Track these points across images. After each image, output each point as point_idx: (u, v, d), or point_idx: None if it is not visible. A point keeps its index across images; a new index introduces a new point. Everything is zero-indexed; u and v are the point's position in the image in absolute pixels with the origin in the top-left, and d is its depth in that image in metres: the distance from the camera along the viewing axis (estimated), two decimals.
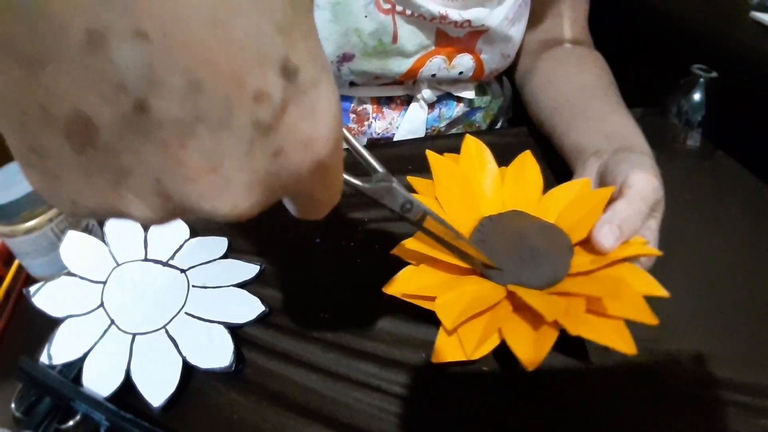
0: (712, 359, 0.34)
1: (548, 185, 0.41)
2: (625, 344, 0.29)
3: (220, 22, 0.11)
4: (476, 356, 0.31)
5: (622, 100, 0.49)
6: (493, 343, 0.31)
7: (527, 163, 0.41)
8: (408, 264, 0.35)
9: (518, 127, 0.60)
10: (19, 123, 0.12)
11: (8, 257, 0.40)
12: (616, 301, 0.30)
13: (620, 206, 0.34)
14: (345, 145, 0.24)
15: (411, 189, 0.40)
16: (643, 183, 0.35)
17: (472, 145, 0.41)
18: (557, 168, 0.49)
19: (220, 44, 0.12)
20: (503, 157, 0.53)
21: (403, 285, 0.34)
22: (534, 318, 0.31)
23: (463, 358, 0.31)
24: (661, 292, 0.31)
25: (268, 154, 0.14)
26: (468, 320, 0.31)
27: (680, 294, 0.37)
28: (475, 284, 0.34)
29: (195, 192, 0.13)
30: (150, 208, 0.14)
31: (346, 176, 0.23)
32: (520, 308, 0.32)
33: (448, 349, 0.31)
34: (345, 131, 0.25)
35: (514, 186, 0.40)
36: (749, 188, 0.50)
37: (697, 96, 0.54)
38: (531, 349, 0.29)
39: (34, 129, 0.12)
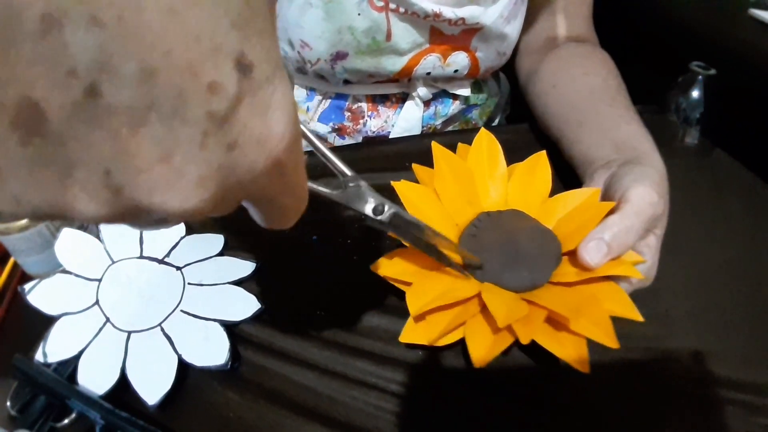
0: (711, 358, 0.34)
1: (554, 185, 0.40)
2: (579, 362, 0.29)
3: (176, 11, 0.11)
4: (439, 344, 0.32)
5: (630, 103, 0.47)
6: (457, 335, 0.32)
7: (539, 164, 0.41)
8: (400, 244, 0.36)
9: (517, 124, 0.60)
10: None
11: (3, 255, 0.40)
12: (580, 319, 0.30)
13: (612, 221, 0.33)
14: (310, 148, 0.24)
15: (414, 180, 0.39)
16: (640, 198, 0.34)
17: (484, 139, 0.41)
18: (560, 167, 0.49)
19: (175, 33, 0.12)
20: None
21: (386, 267, 0.35)
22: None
23: (426, 343, 0.32)
24: (635, 315, 0.31)
25: (222, 147, 0.13)
26: (437, 310, 0.32)
27: (678, 292, 0.37)
28: (452, 277, 0.34)
29: (145, 184, 0.13)
30: (98, 203, 0.13)
31: (312, 185, 0.23)
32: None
33: (416, 332, 0.33)
34: (311, 136, 0.25)
35: (521, 185, 0.40)
36: (747, 186, 0.50)
37: (695, 93, 0.54)
38: (484, 348, 0.30)
39: None
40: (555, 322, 0.31)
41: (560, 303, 0.31)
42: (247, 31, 0.13)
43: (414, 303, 0.32)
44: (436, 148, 0.40)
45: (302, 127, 0.21)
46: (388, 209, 0.28)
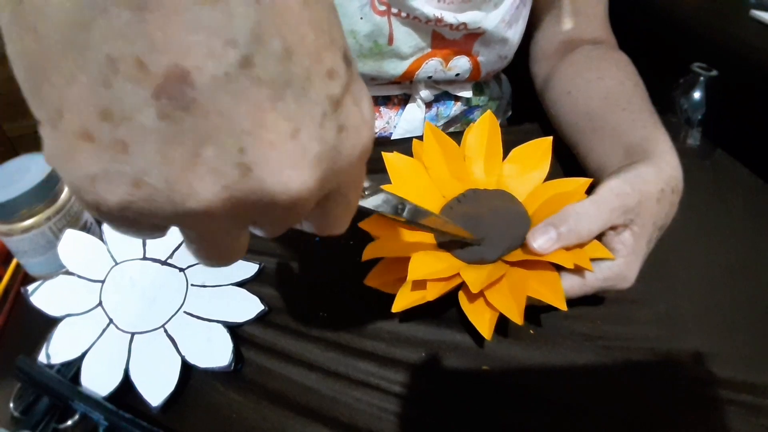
0: (713, 359, 0.34)
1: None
2: (486, 331, 0.31)
3: (309, 4, 0.13)
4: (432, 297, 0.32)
5: (646, 104, 0.45)
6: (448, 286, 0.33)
7: (541, 149, 0.40)
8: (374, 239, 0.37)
9: (518, 125, 0.60)
10: (100, 79, 0.11)
11: (6, 256, 0.40)
12: (493, 291, 0.32)
13: (567, 209, 0.32)
14: None
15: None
16: (605, 188, 0.33)
17: (487, 121, 0.41)
18: (565, 165, 0.49)
19: (308, 22, 0.13)
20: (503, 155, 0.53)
21: (377, 278, 0.36)
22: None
23: (420, 300, 0.32)
24: (560, 304, 0.30)
25: (335, 129, 0.14)
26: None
27: (680, 293, 0.37)
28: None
29: (274, 160, 0.13)
30: (221, 185, 0.13)
31: None
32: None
33: (408, 298, 0.33)
34: None
35: (517, 168, 0.40)
36: (749, 187, 0.50)
37: (697, 94, 0.54)
38: (405, 300, 0.33)
39: (119, 87, 0.11)
40: (471, 294, 0.32)
41: (483, 276, 0.32)
42: (342, 33, 0.15)
43: (416, 269, 0.33)
44: (429, 127, 0.41)
45: None
46: (408, 207, 0.30)
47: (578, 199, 0.34)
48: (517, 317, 0.30)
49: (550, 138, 0.40)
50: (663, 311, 0.37)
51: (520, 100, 0.71)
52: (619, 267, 0.33)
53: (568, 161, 0.49)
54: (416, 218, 0.30)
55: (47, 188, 0.36)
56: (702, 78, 0.53)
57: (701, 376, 0.33)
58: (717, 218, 0.46)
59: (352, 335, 0.36)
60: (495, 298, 0.31)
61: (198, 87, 0.12)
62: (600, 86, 0.48)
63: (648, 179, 0.34)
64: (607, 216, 0.32)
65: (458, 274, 0.32)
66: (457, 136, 0.42)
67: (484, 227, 0.36)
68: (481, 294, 0.32)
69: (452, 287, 0.32)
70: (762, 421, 0.31)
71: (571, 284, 0.32)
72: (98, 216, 0.14)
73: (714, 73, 0.53)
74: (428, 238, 0.37)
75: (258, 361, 0.34)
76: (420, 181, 0.40)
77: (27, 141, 1.24)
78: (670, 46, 0.74)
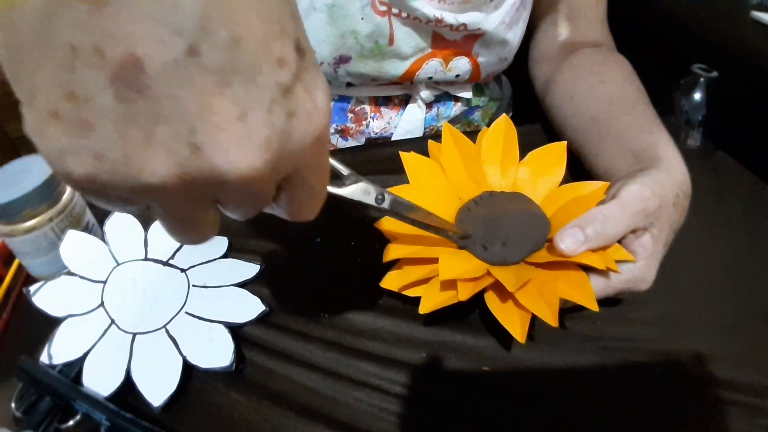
0: (713, 359, 0.34)
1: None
2: (520, 334, 0.31)
3: None
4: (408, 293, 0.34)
5: (649, 108, 0.45)
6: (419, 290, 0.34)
7: (556, 153, 0.41)
8: (389, 241, 0.37)
9: (520, 126, 0.60)
10: (64, 65, 0.13)
11: (8, 257, 0.40)
12: (524, 293, 0.31)
13: (593, 210, 0.33)
14: None
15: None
16: (627, 192, 0.33)
17: (503, 124, 0.42)
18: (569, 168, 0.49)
19: (256, 13, 0.14)
20: None
21: (395, 280, 0.35)
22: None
23: (450, 301, 0.32)
24: (591, 305, 0.30)
25: (284, 115, 0.15)
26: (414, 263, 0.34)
27: (681, 294, 0.37)
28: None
29: (223, 141, 0.14)
30: (173, 161, 0.14)
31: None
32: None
33: (437, 298, 0.33)
34: None
35: (533, 171, 0.41)
36: (750, 188, 0.50)
37: (697, 96, 0.54)
38: (433, 300, 0.32)
39: (80, 72, 0.13)
40: (504, 294, 0.32)
41: (513, 277, 0.31)
42: (298, 24, 0.16)
43: (446, 269, 0.33)
44: (447, 127, 0.41)
45: None
46: (388, 197, 0.30)
47: (596, 202, 0.34)
48: (551, 319, 0.29)
49: (565, 143, 0.41)
50: (663, 312, 0.37)
51: (521, 101, 0.71)
52: (639, 269, 0.33)
53: (572, 164, 0.49)
54: (398, 209, 0.31)
55: (49, 189, 0.36)
56: (702, 79, 0.53)
57: (701, 377, 0.33)
58: (717, 219, 0.46)
59: (353, 336, 0.36)
60: (526, 299, 0.31)
61: (150, 73, 0.13)
62: (603, 91, 0.49)
63: (665, 185, 0.35)
64: (630, 219, 0.32)
65: (488, 274, 0.32)
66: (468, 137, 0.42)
67: (504, 229, 0.36)
68: (510, 296, 0.31)
69: (482, 288, 0.32)
70: (762, 422, 0.31)
71: (596, 285, 0.33)
72: (70, 185, 0.15)
73: (714, 74, 0.53)
74: (446, 240, 0.36)
75: (259, 362, 0.34)
76: (437, 182, 0.40)
77: (29, 142, 1.24)
78: (671, 48, 0.74)
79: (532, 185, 0.40)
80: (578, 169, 0.47)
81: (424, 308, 0.32)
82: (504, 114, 0.42)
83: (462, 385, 0.33)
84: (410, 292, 0.34)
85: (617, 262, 0.32)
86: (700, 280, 0.40)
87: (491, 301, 0.32)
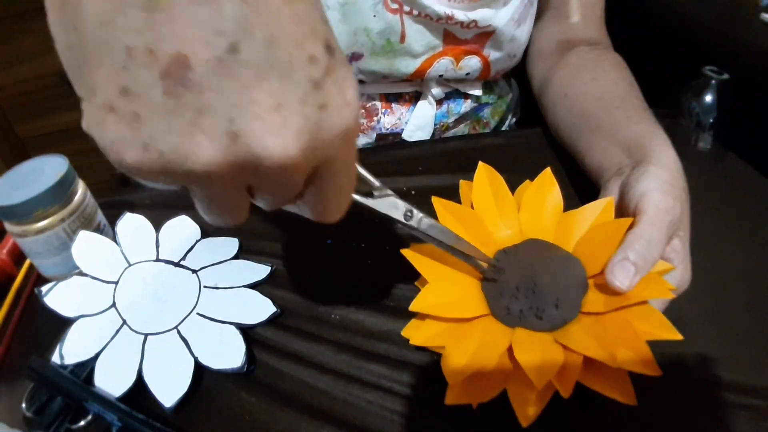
0: (722, 362, 0.34)
1: (564, 193, 0.39)
2: (624, 396, 0.28)
3: (291, 2, 0.16)
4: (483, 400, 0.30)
5: (640, 101, 0.46)
6: (498, 389, 0.30)
7: (545, 183, 0.39)
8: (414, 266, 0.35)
9: (527, 129, 0.60)
10: (121, 64, 0.15)
11: (20, 257, 0.40)
12: (618, 354, 0.28)
13: (632, 238, 0.32)
14: None
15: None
16: (654, 207, 0.33)
17: (484, 173, 0.39)
18: (572, 173, 0.49)
19: (289, 16, 0.16)
20: (512, 160, 0.53)
21: (417, 334, 0.33)
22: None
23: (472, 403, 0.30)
24: (674, 335, 0.29)
25: (316, 107, 0.16)
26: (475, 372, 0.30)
27: (691, 296, 0.37)
28: (483, 331, 0.32)
29: (259, 129, 0.16)
30: (216, 148, 0.16)
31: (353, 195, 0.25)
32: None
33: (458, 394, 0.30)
34: None
35: (532, 210, 0.38)
36: (761, 191, 0.49)
37: (708, 98, 0.53)
38: (529, 407, 0.28)
39: (134, 70, 0.15)
40: (589, 362, 0.29)
41: (595, 342, 0.29)
42: (327, 27, 0.17)
43: (451, 374, 0.30)
44: (437, 202, 0.38)
45: None
46: (417, 215, 0.30)
47: (616, 229, 0.33)
48: (652, 370, 0.27)
49: (548, 169, 0.39)
50: (672, 315, 0.37)
51: (529, 102, 0.71)
52: (680, 274, 0.34)
53: (566, 163, 0.49)
54: (426, 229, 0.30)
55: (61, 190, 0.36)
56: (713, 81, 0.53)
57: (708, 379, 0.33)
58: (728, 222, 0.46)
59: (364, 338, 0.36)
60: (621, 361, 0.28)
61: (195, 69, 0.15)
62: (594, 87, 0.50)
63: (675, 184, 0.35)
64: (665, 234, 0.32)
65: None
66: (467, 140, 0.42)
67: (545, 289, 0.34)
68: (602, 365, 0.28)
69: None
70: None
71: (660, 308, 0.32)
72: (123, 171, 0.17)
73: (725, 76, 0.52)
74: (474, 284, 0.34)
75: (270, 363, 0.34)
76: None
77: (39, 143, 1.25)
78: (682, 50, 0.74)
79: (537, 226, 0.38)
80: (572, 168, 0.47)
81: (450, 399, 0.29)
82: (480, 163, 0.39)
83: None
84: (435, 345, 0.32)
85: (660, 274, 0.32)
86: (711, 284, 0.40)
87: (582, 378, 0.28)
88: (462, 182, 0.40)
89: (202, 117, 0.15)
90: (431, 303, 0.33)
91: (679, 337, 0.28)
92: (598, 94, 0.49)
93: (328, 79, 0.17)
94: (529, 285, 0.34)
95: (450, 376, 0.29)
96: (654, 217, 0.33)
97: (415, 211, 0.30)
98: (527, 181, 0.40)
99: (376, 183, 0.28)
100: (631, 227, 0.33)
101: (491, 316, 0.33)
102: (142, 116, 0.15)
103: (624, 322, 0.30)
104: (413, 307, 0.32)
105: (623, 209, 0.36)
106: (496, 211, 0.38)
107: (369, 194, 0.29)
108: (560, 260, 0.35)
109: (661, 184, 0.34)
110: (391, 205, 0.29)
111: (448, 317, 0.32)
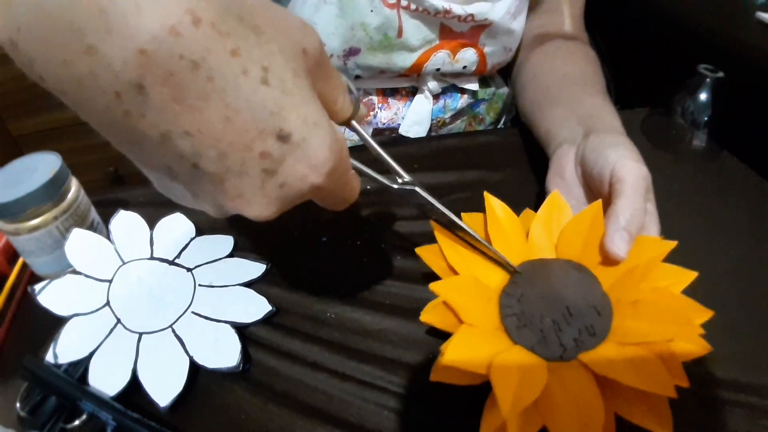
0: (718, 360, 0.34)
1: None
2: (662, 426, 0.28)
3: (230, 119, 0.18)
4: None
5: (603, 89, 0.49)
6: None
7: (554, 206, 0.38)
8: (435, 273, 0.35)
9: (522, 126, 0.60)
10: (150, 167, 0.21)
11: (12, 255, 0.40)
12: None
13: (621, 208, 0.34)
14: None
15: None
16: (633, 175, 0.35)
17: (494, 205, 0.38)
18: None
19: (232, 131, 0.19)
20: (507, 157, 0.53)
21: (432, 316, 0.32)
22: (580, 401, 0.28)
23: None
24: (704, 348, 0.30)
25: (276, 187, 0.21)
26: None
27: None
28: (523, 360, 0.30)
29: (233, 206, 0.21)
30: (212, 211, 0.23)
31: (376, 176, 0.29)
32: (561, 382, 0.28)
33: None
34: (372, 142, 0.31)
35: (538, 232, 0.37)
36: (755, 189, 0.50)
37: (703, 96, 0.53)
38: None
39: (159, 171, 0.21)
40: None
41: (635, 376, 0.28)
42: (283, 113, 0.19)
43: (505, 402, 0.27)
44: (438, 229, 0.36)
45: (364, 133, 0.29)
46: (438, 209, 0.33)
47: (592, 217, 0.35)
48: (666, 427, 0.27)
49: (556, 191, 0.38)
50: None
51: None
52: (657, 234, 0.36)
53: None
54: (444, 220, 0.33)
55: (54, 188, 0.35)
56: (708, 79, 0.53)
57: (705, 377, 0.33)
58: (722, 220, 0.46)
59: (360, 336, 0.36)
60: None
61: (179, 176, 0.20)
62: (563, 69, 0.54)
63: (635, 150, 0.38)
64: (644, 199, 0.35)
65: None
66: (464, 138, 0.42)
67: (567, 310, 0.32)
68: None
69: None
70: (766, 422, 0.31)
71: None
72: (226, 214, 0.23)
73: (720, 74, 0.52)
74: (492, 314, 0.32)
75: (266, 362, 0.34)
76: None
77: (31, 140, 1.24)
78: (676, 48, 0.74)
79: (546, 246, 0.36)
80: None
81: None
82: (485, 193, 0.38)
83: (470, 386, 0.33)
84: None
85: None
86: (704, 282, 0.40)
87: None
88: (464, 215, 0.38)
89: (198, 197, 0.22)
90: (462, 358, 0.29)
91: (709, 349, 0.30)
92: (563, 73, 0.53)
93: (288, 159, 0.20)
94: (555, 306, 0.32)
95: (506, 411, 0.26)
96: (635, 185, 0.35)
97: (437, 206, 0.32)
98: (528, 209, 0.39)
99: (407, 177, 0.31)
100: (610, 196, 0.35)
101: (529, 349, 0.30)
102: (171, 190, 0.23)
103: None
104: (446, 360, 0.29)
105: (586, 175, 0.39)
106: (506, 236, 0.37)
107: (394, 180, 0.31)
108: (577, 278, 0.34)
109: (630, 152, 0.37)
110: (412, 194, 0.31)
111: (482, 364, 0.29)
